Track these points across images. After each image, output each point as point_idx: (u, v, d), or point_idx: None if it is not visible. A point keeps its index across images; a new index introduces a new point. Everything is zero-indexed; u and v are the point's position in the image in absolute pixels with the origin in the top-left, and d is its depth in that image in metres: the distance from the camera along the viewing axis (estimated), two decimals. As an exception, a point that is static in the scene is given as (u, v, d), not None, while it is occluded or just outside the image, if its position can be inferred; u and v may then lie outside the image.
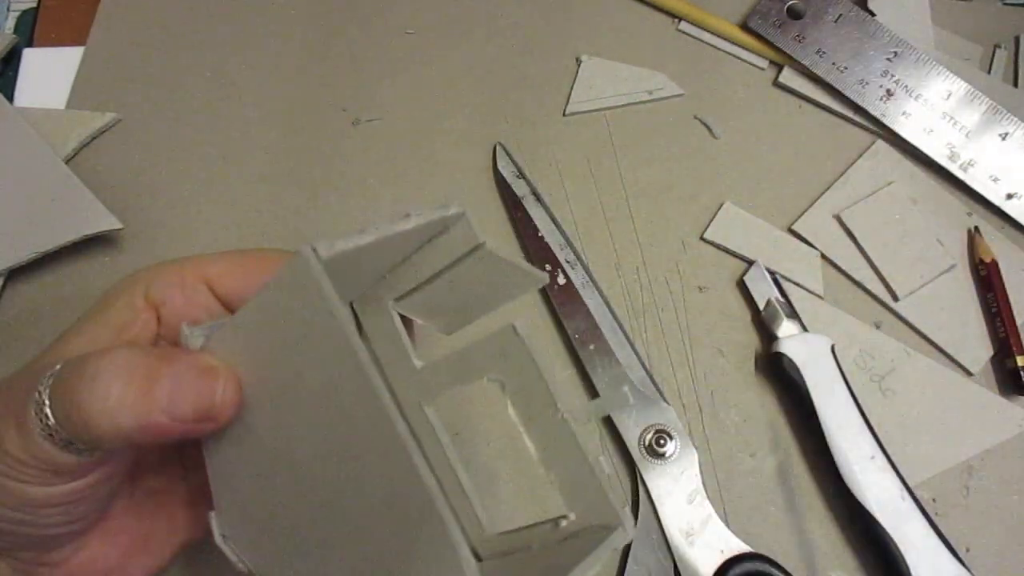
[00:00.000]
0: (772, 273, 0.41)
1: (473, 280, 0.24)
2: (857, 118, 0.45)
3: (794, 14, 0.47)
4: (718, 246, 0.42)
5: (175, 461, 0.28)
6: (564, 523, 0.22)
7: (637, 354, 0.39)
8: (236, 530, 0.23)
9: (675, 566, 0.34)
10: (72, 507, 0.23)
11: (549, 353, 0.39)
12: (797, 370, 0.37)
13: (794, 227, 0.43)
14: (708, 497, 0.36)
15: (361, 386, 0.19)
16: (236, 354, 0.22)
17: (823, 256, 0.42)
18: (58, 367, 0.21)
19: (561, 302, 0.39)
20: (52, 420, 0.20)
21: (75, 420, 0.20)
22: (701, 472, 0.36)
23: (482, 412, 0.30)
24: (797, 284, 0.41)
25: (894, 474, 0.35)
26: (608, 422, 0.38)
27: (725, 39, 0.48)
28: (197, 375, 0.21)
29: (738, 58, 0.48)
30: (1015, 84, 0.47)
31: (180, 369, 0.21)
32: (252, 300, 0.21)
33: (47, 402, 0.21)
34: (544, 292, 0.40)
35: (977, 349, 0.40)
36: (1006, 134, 0.43)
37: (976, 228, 0.42)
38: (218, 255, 0.27)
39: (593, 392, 0.38)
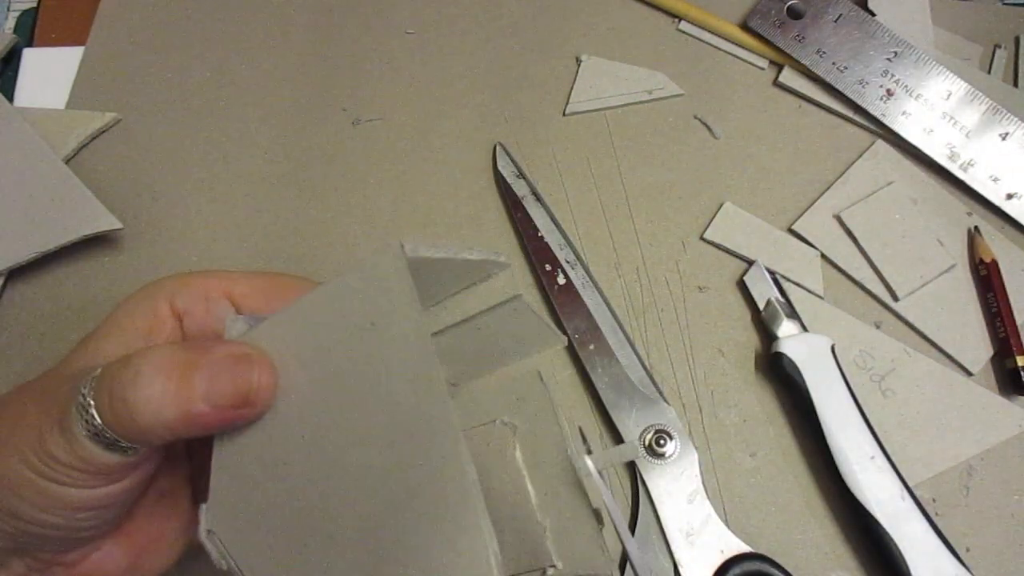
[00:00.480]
0: (772, 273, 0.41)
1: (501, 330, 0.24)
2: (857, 118, 0.45)
3: (794, 14, 0.47)
4: (718, 246, 0.42)
5: (183, 462, 0.28)
6: (551, 572, 0.23)
7: (637, 354, 0.39)
8: (228, 525, 0.23)
9: (675, 566, 0.34)
10: (105, 511, 0.24)
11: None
12: (797, 370, 0.37)
13: (794, 227, 0.43)
14: (708, 497, 0.36)
15: (420, 377, 0.20)
16: (277, 344, 0.23)
17: (823, 256, 0.42)
18: (98, 371, 0.22)
19: (561, 302, 0.39)
20: (98, 420, 0.21)
21: (122, 416, 0.21)
22: (701, 472, 0.36)
23: (488, 452, 0.30)
24: (797, 284, 0.41)
25: (894, 474, 0.35)
26: (608, 422, 0.38)
27: (725, 39, 0.48)
28: (233, 363, 0.22)
29: (738, 58, 0.48)
30: (1015, 84, 0.47)
31: (216, 358, 0.22)
32: (308, 294, 0.22)
33: (92, 403, 0.21)
34: (544, 292, 0.40)
35: (977, 349, 0.40)
36: (1006, 134, 0.43)
37: (976, 228, 0.42)
38: (244, 275, 0.28)
39: (595, 394, 0.38)
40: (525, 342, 0.25)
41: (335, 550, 0.22)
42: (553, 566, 0.23)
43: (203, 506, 0.24)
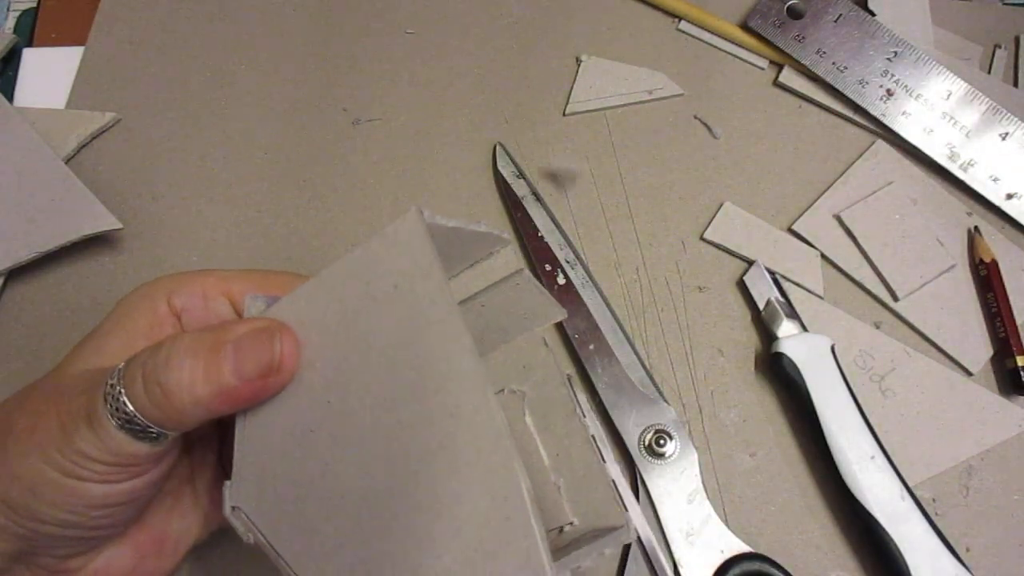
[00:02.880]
0: (772, 273, 0.41)
1: (504, 306, 0.25)
2: (857, 118, 0.45)
3: (794, 14, 0.47)
4: (718, 246, 0.42)
5: (184, 462, 0.28)
6: (568, 528, 0.23)
7: (637, 354, 0.39)
8: (253, 499, 0.24)
9: (675, 566, 0.34)
10: (123, 508, 0.24)
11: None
12: (797, 370, 0.37)
13: (794, 227, 0.43)
14: (708, 497, 0.36)
15: (447, 332, 0.20)
16: (298, 316, 0.24)
17: (823, 256, 0.42)
18: (121, 365, 0.23)
19: (561, 302, 0.39)
20: (130, 407, 0.22)
21: (158, 399, 0.22)
22: (701, 472, 0.36)
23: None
24: (797, 284, 0.41)
25: (894, 474, 0.35)
26: (608, 422, 0.38)
27: (725, 39, 0.48)
28: (255, 335, 0.23)
29: (738, 58, 0.48)
30: (1015, 84, 0.47)
31: (240, 334, 0.23)
32: (328, 267, 0.23)
33: (122, 391, 0.22)
34: (544, 292, 0.40)
35: (977, 349, 0.40)
36: (1006, 134, 0.43)
37: (976, 228, 0.42)
38: (240, 272, 0.28)
39: (595, 394, 0.38)
40: (528, 317, 0.25)
41: (367, 509, 0.22)
42: (571, 523, 0.23)
43: (227, 483, 0.24)
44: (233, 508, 0.24)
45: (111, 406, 0.22)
